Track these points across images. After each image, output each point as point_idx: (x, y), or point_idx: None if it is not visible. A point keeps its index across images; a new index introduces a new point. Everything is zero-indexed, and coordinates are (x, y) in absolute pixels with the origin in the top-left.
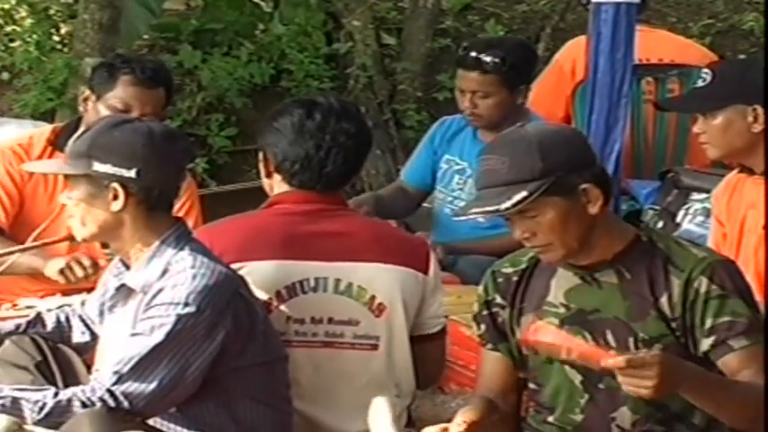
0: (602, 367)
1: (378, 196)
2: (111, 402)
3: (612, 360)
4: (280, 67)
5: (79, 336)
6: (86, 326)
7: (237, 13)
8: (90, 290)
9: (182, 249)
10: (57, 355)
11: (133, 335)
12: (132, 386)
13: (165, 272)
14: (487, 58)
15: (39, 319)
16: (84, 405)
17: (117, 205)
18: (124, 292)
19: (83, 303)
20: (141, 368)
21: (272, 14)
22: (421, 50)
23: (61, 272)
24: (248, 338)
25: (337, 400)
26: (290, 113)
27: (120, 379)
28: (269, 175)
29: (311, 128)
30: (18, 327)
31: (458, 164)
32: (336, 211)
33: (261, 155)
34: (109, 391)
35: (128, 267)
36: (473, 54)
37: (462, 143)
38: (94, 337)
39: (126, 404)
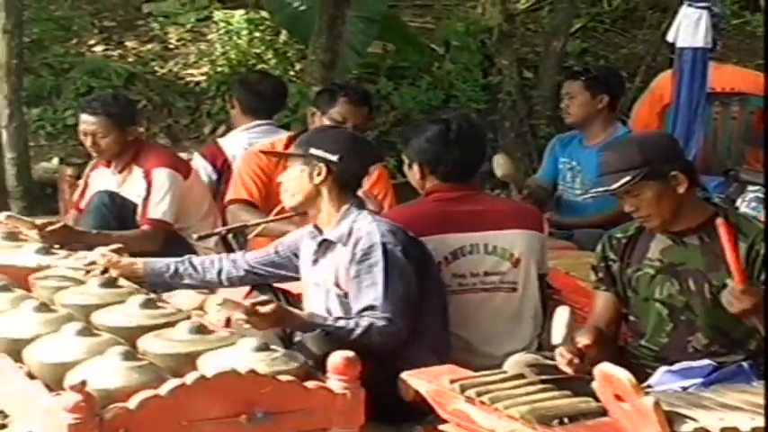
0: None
1: (537, 187)
2: (390, 326)
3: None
4: (449, 94)
5: (218, 275)
6: (236, 270)
7: (420, 55)
8: None
9: (360, 214)
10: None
11: (356, 278)
12: (394, 308)
13: (352, 228)
14: (578, 71)
15: (188, 261)
16: (369, 331)
17: (318, 179)
18: (324, 246)
19: (245, 253)
20: (389, 294)
21: (444, 56)
22: (551, 82)
23: None
24: (426, 271)
25: (489, 330)
26: (431, 129)
27: (387, 311)
28: (423, 177)
29: (452, 138)
30: (177, 270)
31: (569, 163)
32: (476, 195)
33: (412, 163)
34: (386, 318)
35: (320, 231)
36: (574, 69)
37: (572, 149)
38: (232, 281)
39: (399, 323)
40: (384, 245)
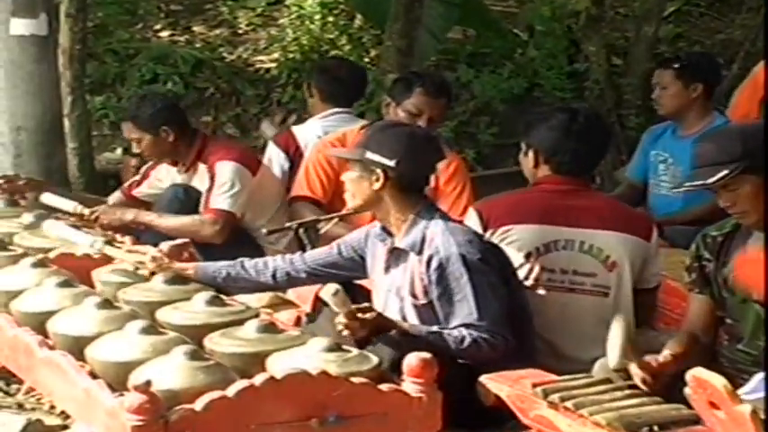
0: None
1: (618, 195)
2: (496, 338)
3: None
4: (533, 82)
5: (271, 276)
6: (294, 269)
7: (502, 41)
8: None
9: (432, 218)
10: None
11: (442, 294)
12: (492, 320)
13: (424, 236)
14: (670, 59)
15: (240, 264)
16: (477, 343)
17: (377, 185)
18: (396, 253)
19: (303, 252)
20: (483, 306)
21: (527, 42)
22: (641, 69)
23: None
24: (508, 275)
25: (575, 333)
26: (557, 117)
27: (485, 324)
28: (536, 166)
29: (576, 129)
30: (220, 270)
31: (661, 155)
32: (583, 190)
33: (528, 150)
34: (488, 331)
35: (389, 234)
36: (665, 57)
37: (665, 140)
38: (290, 282)
39: (503, 333)
40: (463, 256)
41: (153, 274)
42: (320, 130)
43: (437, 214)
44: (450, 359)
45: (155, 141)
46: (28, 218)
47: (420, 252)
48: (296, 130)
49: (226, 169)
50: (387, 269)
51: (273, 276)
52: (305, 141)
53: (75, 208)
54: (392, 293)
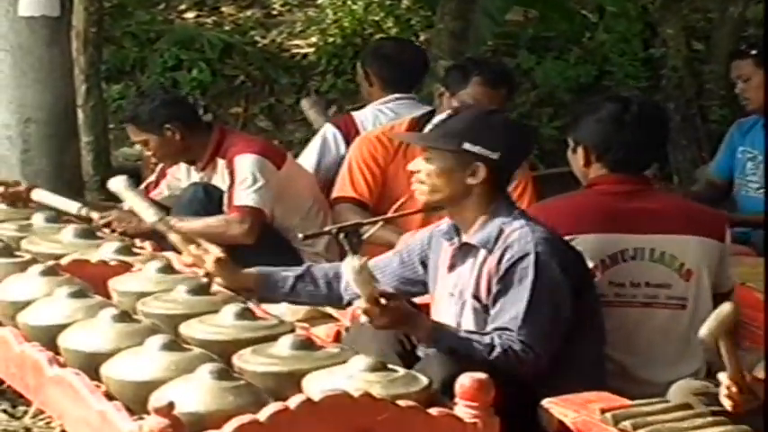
0: None
1: (694, 193)
2: (527, 353)
3: None
4: (602, 69)
5: (343, 289)
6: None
7: (568, 23)
8: None
9: (510, 214)
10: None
11: (500, 291)
12: (532, 332)
13: (500, 232)
14: (746, 47)
15: (308, 273)
16: (507, 353)
17: (474, 180)
18: (464, 250)
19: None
20: (532, 315)
21: (597, 24)
22: (726, 54)
23: None
24: (584, 288)
25: (650, 353)
26: (607, 108)
27: (528, 334)
28: (588, 164)
29: (629, 120)
30: (287, 278)
31: (750, 152)
32: (646, 190)
33: (577, 147)
34: (521, 342)
35: (457, 231)
36: (741, 48)
37: (754, 135)
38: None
39: (537, 349)
40: (537, 255)
41: (208, 276)
42: (382, 117)
43: (516, 212)
44: (509, 380)
45: (161, 142)
46: (37, 220)
47: (492, 249)
48: (355, 115)
49: (246, 163)
50: (451, 268)
51: (346, 289)
52: (364, 128)
53: (79, 210)
54: (454, 297)
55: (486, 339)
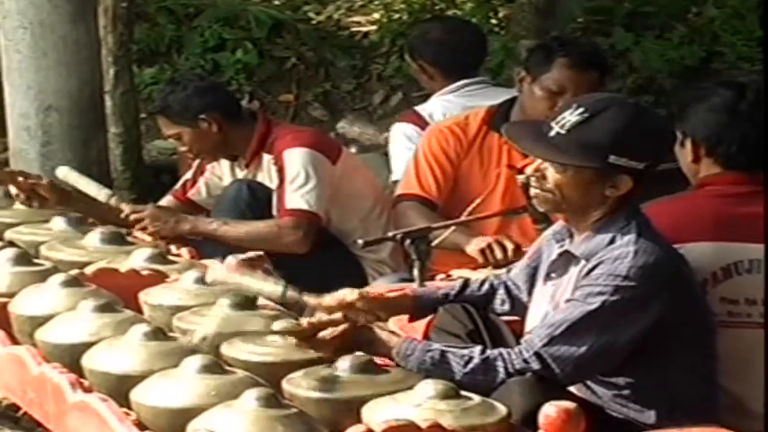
0: None
1: None
2: (536, 365)
3: None
4: (711, 50)
5: (499, 304)
6: (509, 294)
7: None
8: None
9: (628, 224)
10: (487, 324)
11: (568, 300)
12: (561, 349)
13: (611, 242)
14: None
15: (466, 286)
16: (506, 367)
17: (615, 192)
18: (565, 258)
19: (508, 270)
20: (572, 333)
21: None
22: None
23: (482, 251)
24: (685, 314)
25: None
26: (719, 95)
27: (551, 342)
28: (697, 160)
29: (745, 109)
30: (447, 295)
31: None
32: (763, 191)
33: (685, 140)
34: (537, 353)
35: (571, 235)
36: None
37: None
38: (514, 306)
39: (554, 366)
40: (627, 277)
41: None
42: (452, 108)
43: (635, 221)
44: (600, 411)
45: (196, 135)
46: (59, 224)
47: (590, 258)
48: (419, 109)
49: (296, 158)
50: (548, 276)
51: (502, 304)
52: (434, 122)
53: (109, 197)
54: (551, 307)
55: (464, 351)
